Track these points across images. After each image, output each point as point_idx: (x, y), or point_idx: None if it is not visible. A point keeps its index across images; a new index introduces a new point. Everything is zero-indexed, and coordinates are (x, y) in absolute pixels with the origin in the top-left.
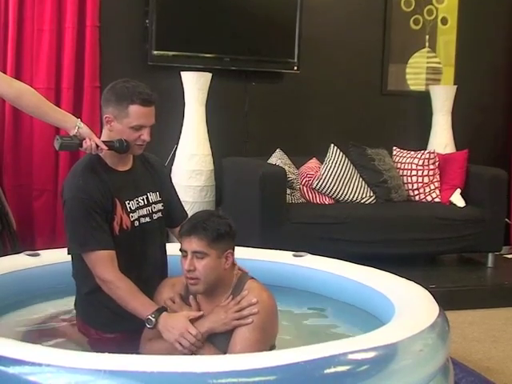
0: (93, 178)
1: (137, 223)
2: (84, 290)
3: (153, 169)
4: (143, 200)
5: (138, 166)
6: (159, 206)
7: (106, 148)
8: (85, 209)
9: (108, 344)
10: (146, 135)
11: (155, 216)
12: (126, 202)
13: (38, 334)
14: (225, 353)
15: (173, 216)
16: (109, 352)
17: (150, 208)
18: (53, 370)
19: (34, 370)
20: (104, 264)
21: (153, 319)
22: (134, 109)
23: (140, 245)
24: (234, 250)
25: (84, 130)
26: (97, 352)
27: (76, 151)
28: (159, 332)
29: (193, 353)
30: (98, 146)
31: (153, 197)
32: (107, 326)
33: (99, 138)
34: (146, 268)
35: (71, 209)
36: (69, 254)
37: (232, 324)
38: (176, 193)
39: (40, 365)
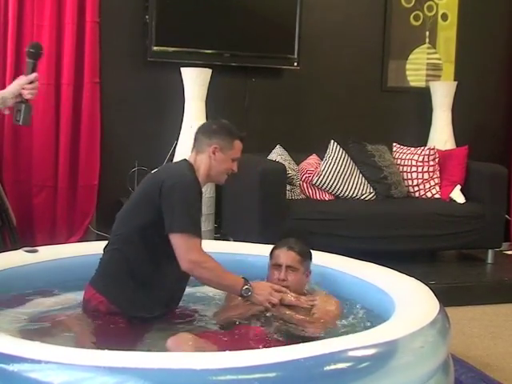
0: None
1: None
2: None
3: None
4: None
5: None
6: None
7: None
8: (199, 199)
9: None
10: (235, 167)
11: None
12: None
13: (38, 331)
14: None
15: None
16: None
17: None
18: (52, 367)
19: (33, 367)
20: (196, 249)
21: (250, 288)
22: (238, 144)
23: None
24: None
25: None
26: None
27: None
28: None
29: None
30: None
31: None
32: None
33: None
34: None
35: (183, 193)
36: (177, 232)
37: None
38: None
39: (39, 362)
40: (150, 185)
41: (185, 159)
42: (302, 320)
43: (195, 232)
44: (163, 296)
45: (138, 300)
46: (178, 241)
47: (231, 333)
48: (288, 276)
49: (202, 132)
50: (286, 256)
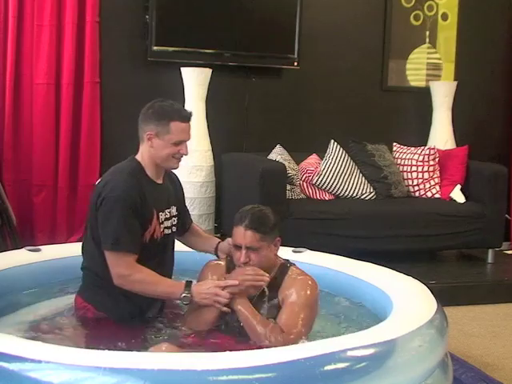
0: (136, 185)
1: (164, 233)
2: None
3: (174, 184)
4: (169, 212)
5: (166, 180)
6: (177, 220)
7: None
8: (126, 210)
9: (105, 325)
10: (184, 149)
11: (174, 228)
12: (160, 214)
13: (38, 330)
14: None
15: (184, 222)
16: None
17: (171, 221)
18: (53, 367)
19: (34, 367)
20: (125, 265)
21: (187, 295)
22: (176, 126)
23: (161, 254)
24: (279, 235)
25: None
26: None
27: None
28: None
29: (230, 308)
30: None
31: (173, 210)
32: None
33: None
34: (164, 275)
35: (110, 207)
36: (105, 248)
37: (245, 284)
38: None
39: (40, 361)
40: (93, 196)
41: (132, 156)
42: (251, 324)
43: (120, 247)
44: (139, 301)
45: (122, 305)
46: (107, 257)
47: (207, 342)
48: (250, 256)
49: (140, 119)
50: (244, 237)
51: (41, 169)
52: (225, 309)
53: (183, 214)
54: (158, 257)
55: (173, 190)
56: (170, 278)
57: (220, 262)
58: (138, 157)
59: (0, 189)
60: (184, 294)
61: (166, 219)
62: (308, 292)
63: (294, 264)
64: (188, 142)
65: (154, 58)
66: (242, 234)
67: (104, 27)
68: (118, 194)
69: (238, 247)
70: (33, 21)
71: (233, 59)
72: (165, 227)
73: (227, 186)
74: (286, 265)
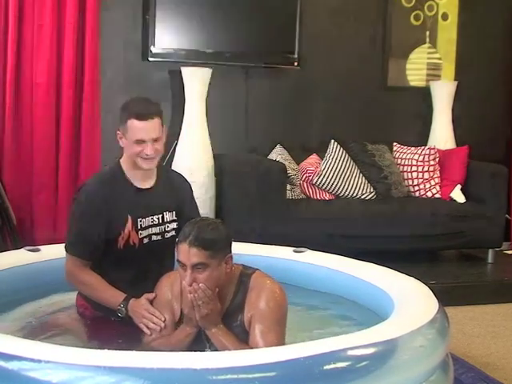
0: (108, 190)
1: (146, 240)
2: None
3: (174, 188)
4: (158, 219)
5: (159, 185)
6: (173, 225)
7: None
8: (84, 216)
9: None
10: (147, 149)
11: (167, 235)
12: (138, 220)
13: (38, 330)
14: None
15: None
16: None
17: (163, 227)
18: (52, 367)
19: (33, 366)
20: (75, 266)
21: (122, 308)
22: (133, 124)
23: (147, 261)
24: (231, 252)
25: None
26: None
27: None
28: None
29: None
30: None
31: (168, 216)
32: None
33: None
34: (154, 283)
35: (73, 209)
36: (65, 249)
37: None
38: (197, 207)
39: (39, 361)
40: None
41: (118, 159)
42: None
43: (71, 250)
44: None
45: None
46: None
47: None
48: (197, 278)
49: None
50: (189, 255)
51: (41, 169)
52: (149, 332)
53: (191, 216)
54: (144, 264)
55: (169, 195)
56: None
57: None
58: (122, 159)
59: (0, 189)
60: (119, 307)
61: (152, 226)
62: (277, 303)
63: (256, 270)
64: (188, 142)
65: (154, 57)
66: (187, 252)
67: (104, 27)
68: (81, 198)
69: (183, 265)
70: (33, 20)
71: (233, 59)
72: (151, 233)
73: (227, 186)
74: (246, 274)
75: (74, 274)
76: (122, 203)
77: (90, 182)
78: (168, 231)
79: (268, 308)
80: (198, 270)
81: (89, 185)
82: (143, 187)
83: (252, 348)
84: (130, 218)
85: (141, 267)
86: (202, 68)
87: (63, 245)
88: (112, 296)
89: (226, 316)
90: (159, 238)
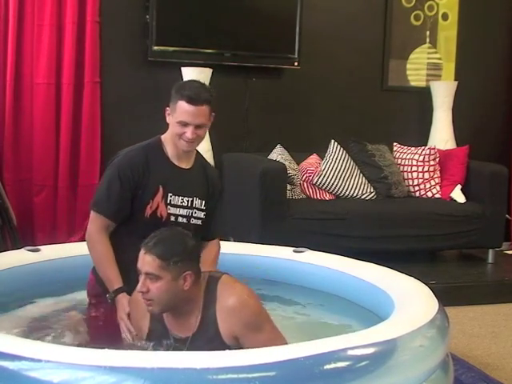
0: (145, 158)
1: (173, 218)
2: None
3: (207, 179)
4: (188, 201)
5: (194, 169)
6: (200, 215)
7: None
8: (116, 177)
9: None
10: (189, 133)
11: (193, 220)
12: (169, 195)
13: (38, 330)
14: None
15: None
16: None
17: (190, 211)
18: (53, 366)
19: (33, 366)
20: (97, 226)
21: (112, 295)
22: (180, 104)
23: None
24: (194, 270)
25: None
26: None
27: None
28: None
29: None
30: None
31: (197, 203)
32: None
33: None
34: None
35: (106, 173)
36: (90, 206)
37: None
38: (216, 214)
39: (40, 361)
40: None
41: (161, 134)
42: None
43: (96, 208)
44: (122, 269)
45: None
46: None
47: None
48: (149, 287)
49: None
50: (143, 261)
51: (41, 169)
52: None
53: (208, 219)
54: None
55: (202, 183)
56: None
57: None
58: (164, 135)
59: (0, 188)
60: (108, 295)
61: (181, 207)
62: (251, 310)
63: (222, 275)
64: None
65: (154, 57)
66: (142, 259)
67: (104, 27)
68: (117, 162)
69: (139, 270)
70: (33, 20)
71: (233, 59)
72: (179, 214)
73: (227, 186)
74: (213, 281)
75: (92, 235)
76: (157, 174)
77: (129, 148)
78: (194, 217)
79: (246, 320)
80: (151, 279)
81: (127, 151)
82: (179, 165)
83: None
84: (161, 189)
85: None
86: (202, 68)
87: (64, 242)
88: (109, 279)
89: (198, 331)
90: (185, 220)
